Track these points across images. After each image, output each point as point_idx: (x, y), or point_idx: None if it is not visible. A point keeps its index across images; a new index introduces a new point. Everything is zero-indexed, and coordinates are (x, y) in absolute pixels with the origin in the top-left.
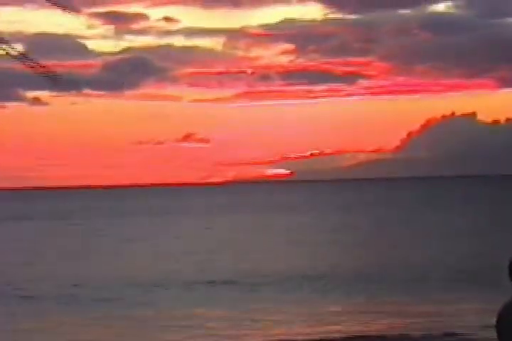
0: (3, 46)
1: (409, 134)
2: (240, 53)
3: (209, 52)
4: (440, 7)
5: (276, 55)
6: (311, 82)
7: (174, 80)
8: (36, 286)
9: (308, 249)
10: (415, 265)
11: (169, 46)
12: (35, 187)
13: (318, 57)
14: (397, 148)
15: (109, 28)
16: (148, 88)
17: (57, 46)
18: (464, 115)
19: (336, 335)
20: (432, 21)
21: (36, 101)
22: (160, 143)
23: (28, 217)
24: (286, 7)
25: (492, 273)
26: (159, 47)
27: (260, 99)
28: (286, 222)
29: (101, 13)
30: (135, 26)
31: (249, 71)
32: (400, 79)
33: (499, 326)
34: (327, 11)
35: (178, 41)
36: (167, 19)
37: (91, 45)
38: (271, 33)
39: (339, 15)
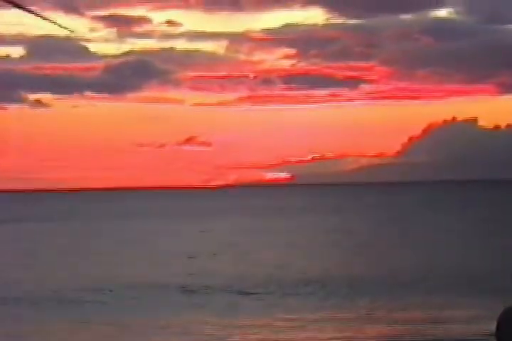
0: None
1: (411, 139)
2: (242, 57)
3: (211, 55)
4: (442, 13)
5: (278, 59)
6: (313, 87)
7: (176, 83)
8: (33, 288)
9: (305, 253)
10: (415, 269)
11: (171, 49)
12: (37, 189)
13: (320, 61)
14: (398, 152)
15: (111, 31)
16: (151, 91)
17: (60, 49)
18: (464, 120)
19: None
20: (434, 27)
21: (38, 103)
22: (162, 145)
23: (27, 219)
24: (288, 11)
25: (492, 278)
26: (162, 50)
27: (262, 102)
28: (285, 226)
29: (104, 16)
30: (138, 29)
31: (251, 75)
32: (402, 84)
33: (499, 333)
34: (329, 15)
35: (181, 45)
36: (170, 23)
37: (93, 47)
38: (273, 38)
39: (341, 20)
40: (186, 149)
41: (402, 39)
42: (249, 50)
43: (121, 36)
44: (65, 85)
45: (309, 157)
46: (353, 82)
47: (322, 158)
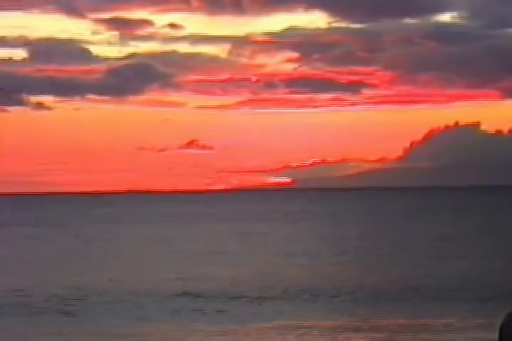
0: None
1: (412, 144)
2: (245, 60)
3: (213, 59)
4: (445, 17)
5: (280, 62)
6: (315, 91)
7: (178, 87)
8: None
9: (303, 260)
10: (415, 276)
11: (174, 52)
12: (37, 192)
13: (323, 65)
14: (400, 157)
15: (113, 34)
16: (152, 94)
17: (62, 51)
18: (467, 125)
19: None
20: (437, 31)
21: (40, 106)
22: (163, 149)
23: (26, 223)
24: (291, 15)
25: (489, 285)
26: (164, 53)
27: (264, 106)
28: (285, 231)
29: (106, 19)
30: (140, 32)
31: (253, 78)
32: (404, 88)
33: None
34: (332, 19)
35: (183, 48)
36: (172, 25)
37: (95, 50)
38: (275, 41)
39: (344, 24)
40: (188, 153)
41: (405, 43)
42: (251, 53)
43: (124, 39)
44: (66, 88)
45: (311, 161)
46: (355, 87)
47: (324, 163)
